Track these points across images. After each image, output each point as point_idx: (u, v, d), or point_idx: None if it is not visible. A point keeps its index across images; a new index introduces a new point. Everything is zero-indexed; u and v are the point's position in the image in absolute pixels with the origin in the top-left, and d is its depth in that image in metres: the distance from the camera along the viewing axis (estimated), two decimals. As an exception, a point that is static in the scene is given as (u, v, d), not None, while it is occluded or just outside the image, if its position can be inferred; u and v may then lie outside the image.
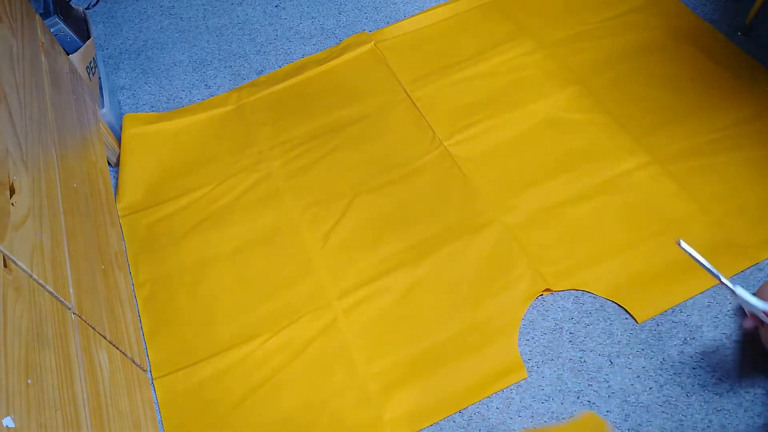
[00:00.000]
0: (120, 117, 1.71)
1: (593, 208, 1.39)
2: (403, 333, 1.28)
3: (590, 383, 1.19)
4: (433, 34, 1.81)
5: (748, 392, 1.14)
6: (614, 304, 1.27)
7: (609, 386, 1.18)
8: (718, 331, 1.22)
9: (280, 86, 1.74)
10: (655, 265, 1.30)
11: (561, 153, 1.49)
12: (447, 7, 1.85)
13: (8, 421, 0.65)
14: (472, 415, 1.18)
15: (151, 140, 1.65)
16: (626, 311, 1.25)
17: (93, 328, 1.00)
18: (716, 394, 1.15)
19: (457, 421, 1.17)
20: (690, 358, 1.19)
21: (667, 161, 1.44)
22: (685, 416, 1.13)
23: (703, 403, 1.14)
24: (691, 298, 1.26)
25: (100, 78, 1.67)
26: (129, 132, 1.64)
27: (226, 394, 1.24)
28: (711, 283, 1.26)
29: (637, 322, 1.24)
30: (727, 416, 1.12)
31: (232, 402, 1.23)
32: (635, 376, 1.19)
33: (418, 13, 1.85)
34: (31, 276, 0.84)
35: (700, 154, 1.45)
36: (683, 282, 1.27)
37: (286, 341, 1.29)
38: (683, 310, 1.25)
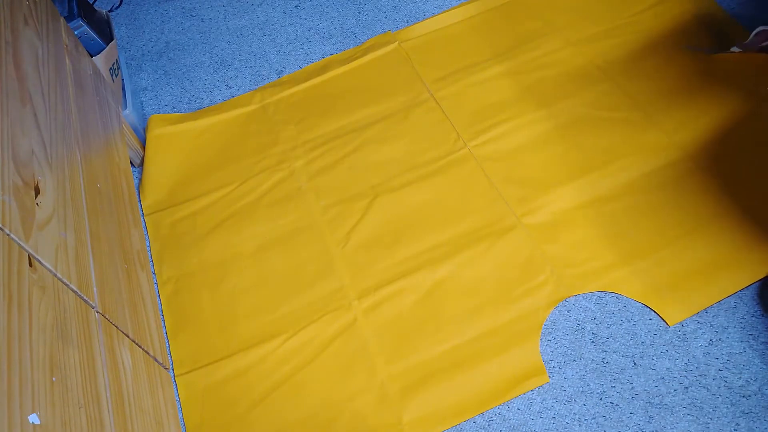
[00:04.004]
0: (142, 118, 1.73)
1: (621, 208, 1.37)
2: (423, 335, 1.27)
3: (613, 384, 1.17)
4: (458, 32, 1.80)
5: (776, 395, 1.12)
6: (638, 304, 1.25)
7: (632, 387, 1.16)
8: (745, 332, 1.19)
9: (304, 86, 1.74)
10: (686, 265, 1.28)
11: (588, 152, 1.47)
12: (472, 5, 1.84)
13: (34, 418, 0.66)
14: (493, 416, 1.17)
15: (176, 140, 1.66)
16: (655, 313, 1.23)
17: (116, 326, 1.02)
18: (743, 396, 1.13)
19: (477, 422, 1.17)
20: (716, 360, 1.17)
21: (700, 156, 1.41)
22: (711, 419, 1.11)
23: (729, 406, 1.12)
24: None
25: (122, 79, 1.68)
26: (154, 132, 1.65)
27: (246, 392, 1.25)
28: (744, 283, 1.23)
29: (668, 325, 1.22)
30: (755, 419, 1.10)
31: (253, 400, 1.24)
32: (659, 377, 1.17)
33: (443, 12, 1.84)
34: (55, 275, 0.85)
35: (736, 147, 1.42)
36: (715, 283, 1.25)
37: (306, 341, 1.29)
38: (709, 311, 1.22)
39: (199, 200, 1.55)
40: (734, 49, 1.51)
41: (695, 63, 1.58)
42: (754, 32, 1.45)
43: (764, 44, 1.44)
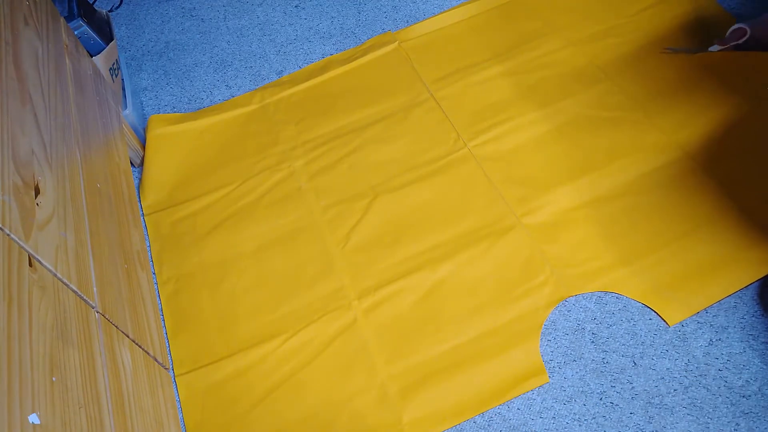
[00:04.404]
0: (142, 118, 1.73)
1: (621, 208, 1.37)
2: (423, 335, 1.27)
3: (613, 384, 1.17)
4: (458, 32, 1.79)
5: (776, 395, 1.12)
6: (638, 304, 1.25)
7: (632, 387, 1.16)
8: (744, 332, 1.19)
9: (304, 86, 1.74)
10: (686, 265, 1.27)
11: (588, 152, 1.47)
12: (472, 5, 1.84)
13: (34, 418, 0.66)
14: (493, 416, 1.17)
15: (176, 140, 1.66)
16: (655, 312, 1.23)
17: (116, 326, 1.02)
18: (743, 396, 1.13)
19: (477, 422, 1.17)
20: (716, 360, 1.17)
21: (700, 156, 1.41)
22: (711, 419, 1.11)
23: (729, 406, 1.12)
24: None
25: (122, 79, 1.68)
26: (154, 132, 1.65)
27: (246, 392, 1.25)
28: (745, 282, 1.23)
29: (668, 325, 1.22)
30: (755, 420, 1.10)
31: (253, 400, 1.24)
32: (659, 377, 1.17)
33: (443, 12, 1.84)
34: (55, 275, 0.85)
35: (736, 147, 1.42)
36: (715, 282, 1.25)
37: (306, 341, 1.29)
38: (709, 311, 1.22)
39: (199, 200, 1.55)
40: (713, 48, 1.53)
41: (695, 62, 1.58)
42: (730, 29, 1.48)
43: (738, 42, 1.48)
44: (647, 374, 1.17)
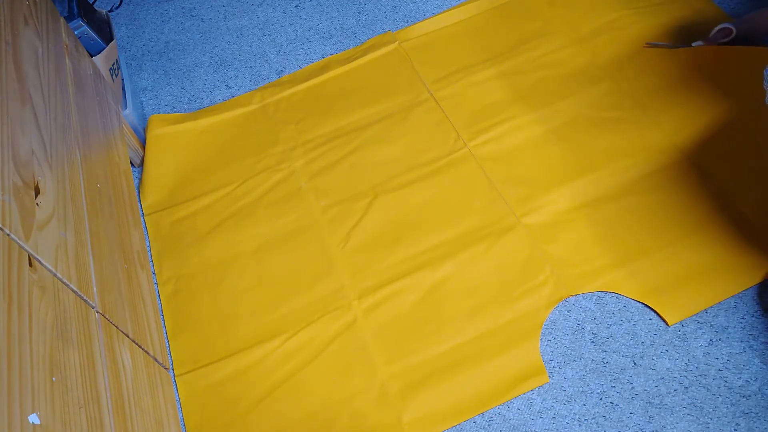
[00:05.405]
0: (142, 118, 1.73)
1: (621, 208, 1.37)
2: (423, 335, 1.27)
3: (613, 384, 1.17)
4: (458, 32, 1.79)
5: (776, 395, 1.12)
6: (638, 304, 1.25)
7: (632, 388, 1.16)
8: (745, 332, 1.19)
9: (304, 86, 1.74)
10: (687, 266, 1.27)
11: (588, 152, 1.47)
12: (472, 5, 1.83)
13: (34, 418, 0.66)
14: (493, 416, 1.17)
15: (176, 140, 1.66)
16: (654, 312, 1.23)
17: (116, 326, 1.02)
18: (743, 396, 1.13)
19: (477, 422, 1.17)
20: (716, 360, 1.17)
21: (699, 158, 1.41)
22: (711, 419, 1.11)
23: (729, 406, 1.12)
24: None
25: (122, 79, 1.68)
26: (154, 132, 1.65)
27: (246, 392, 1.25)
28: (745, 285, 1.23)
29: (667, 325, 1.22)
30: (755, 419, 1.10)
31: (252, 400, 1.24)
32: (659, 377, 1.17)
33: (443, 12, 1.84)
34: (55, 275, 0.85)
35: (737, 148, 1.41)
36: (716, 284, 1.24)
37: (306, 341, 1.29)
38: (709, 311, 1.22)
39: (199, 200, 1.55)
40: (696, 43, 1.55)
41: (695, 62, 1.58)
42: (716, 28, 1.52)
43: (724, 40, 1.52)
44: (647, 374, 1.17)
